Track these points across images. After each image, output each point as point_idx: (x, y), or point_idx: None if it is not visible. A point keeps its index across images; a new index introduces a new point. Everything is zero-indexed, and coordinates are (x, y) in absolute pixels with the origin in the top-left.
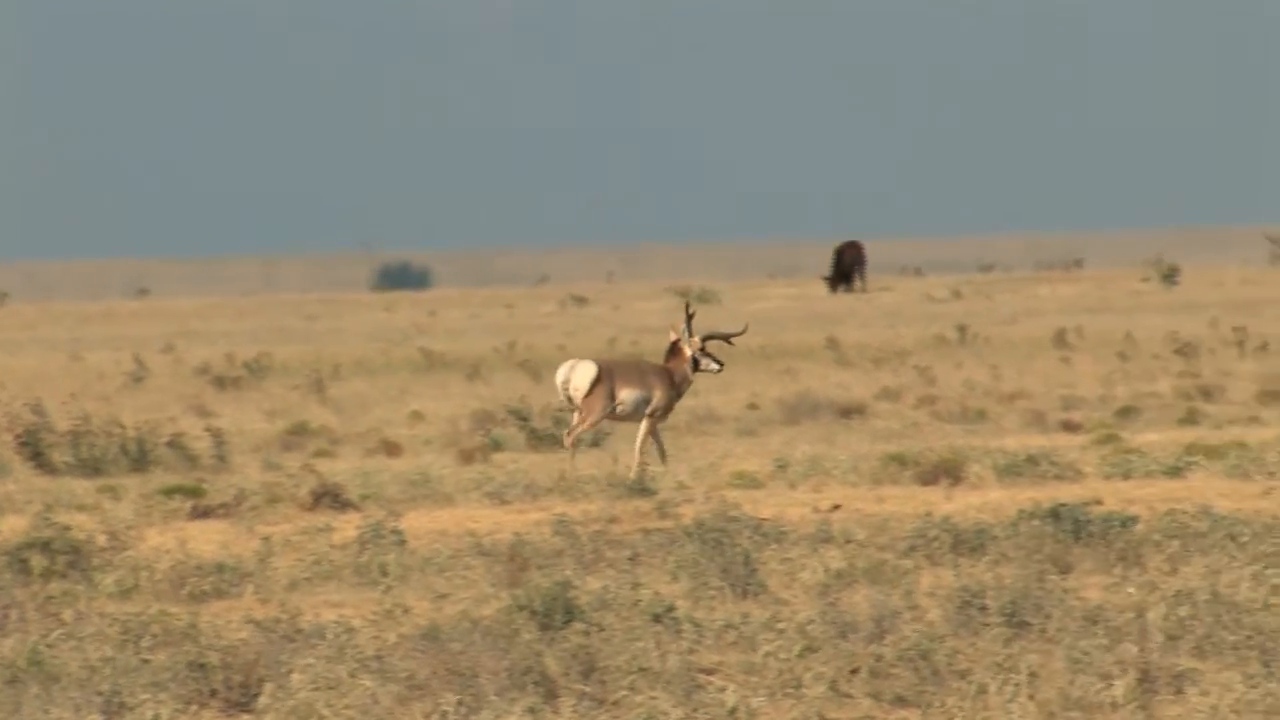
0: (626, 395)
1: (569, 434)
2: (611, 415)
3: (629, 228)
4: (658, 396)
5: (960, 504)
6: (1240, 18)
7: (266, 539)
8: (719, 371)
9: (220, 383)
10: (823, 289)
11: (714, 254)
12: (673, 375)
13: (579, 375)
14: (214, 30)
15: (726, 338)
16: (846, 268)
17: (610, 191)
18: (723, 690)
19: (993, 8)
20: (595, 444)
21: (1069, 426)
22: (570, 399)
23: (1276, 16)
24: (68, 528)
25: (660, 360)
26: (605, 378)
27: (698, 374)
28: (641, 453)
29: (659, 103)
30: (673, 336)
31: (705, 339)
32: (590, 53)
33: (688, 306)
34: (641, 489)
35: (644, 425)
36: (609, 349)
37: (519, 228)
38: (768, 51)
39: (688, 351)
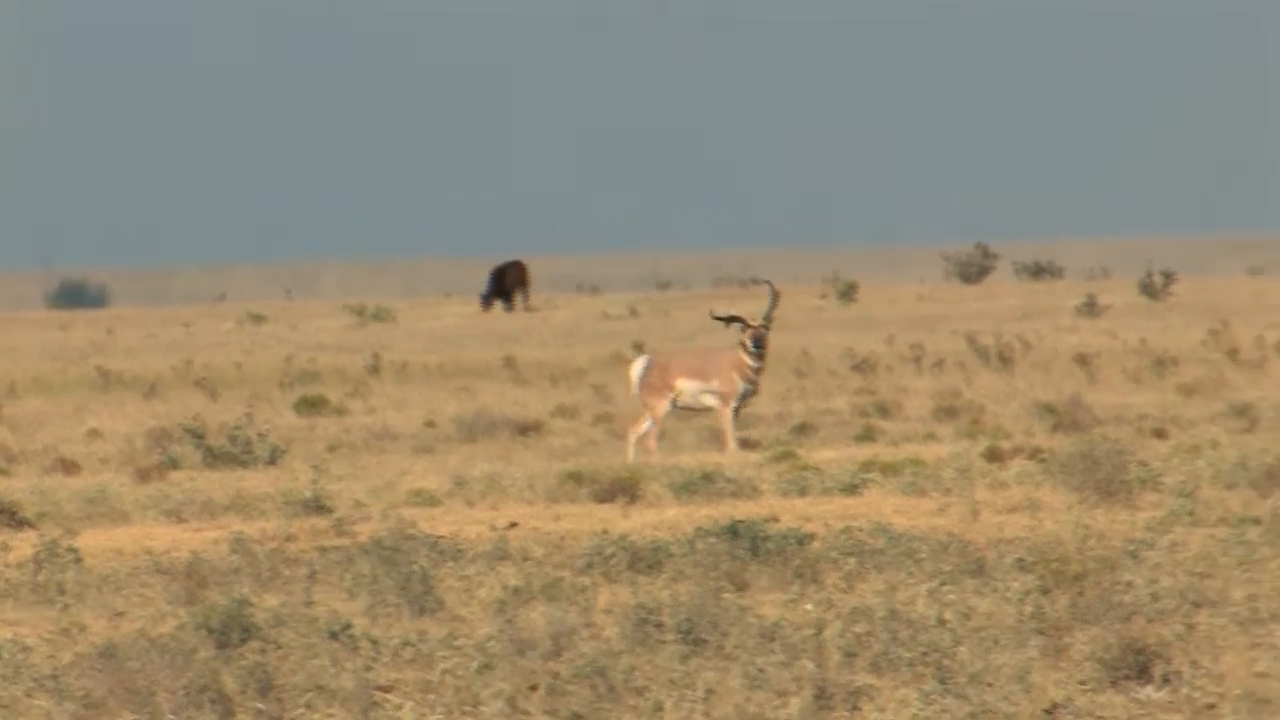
0: (685, 386)
1: (643, 435)
2: (689, 407)
3: (306, 245)
4: (717, 384)
5: (637, 521)
6: (908, 39)
7: None
8: (754, 357)
9: None
10: (494, 307)
11: (390, 271)
12: (734, 362)
13: (635, 370)
14: None
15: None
16: (509, 287)
17: (287, 208)
18: (400, 708)
19: (659, 27)
20: (271, 462)
21: (746, 443)
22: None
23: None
24: None
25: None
26: (658, 370)
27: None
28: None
29: (337, 118)
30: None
31: (732, 320)
32: (264, 63)
33: (771, 285)
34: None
35: (721, 414)
36: (286, 366)
37: (196, 245)
38: (444, 69)
39: (745, 335)
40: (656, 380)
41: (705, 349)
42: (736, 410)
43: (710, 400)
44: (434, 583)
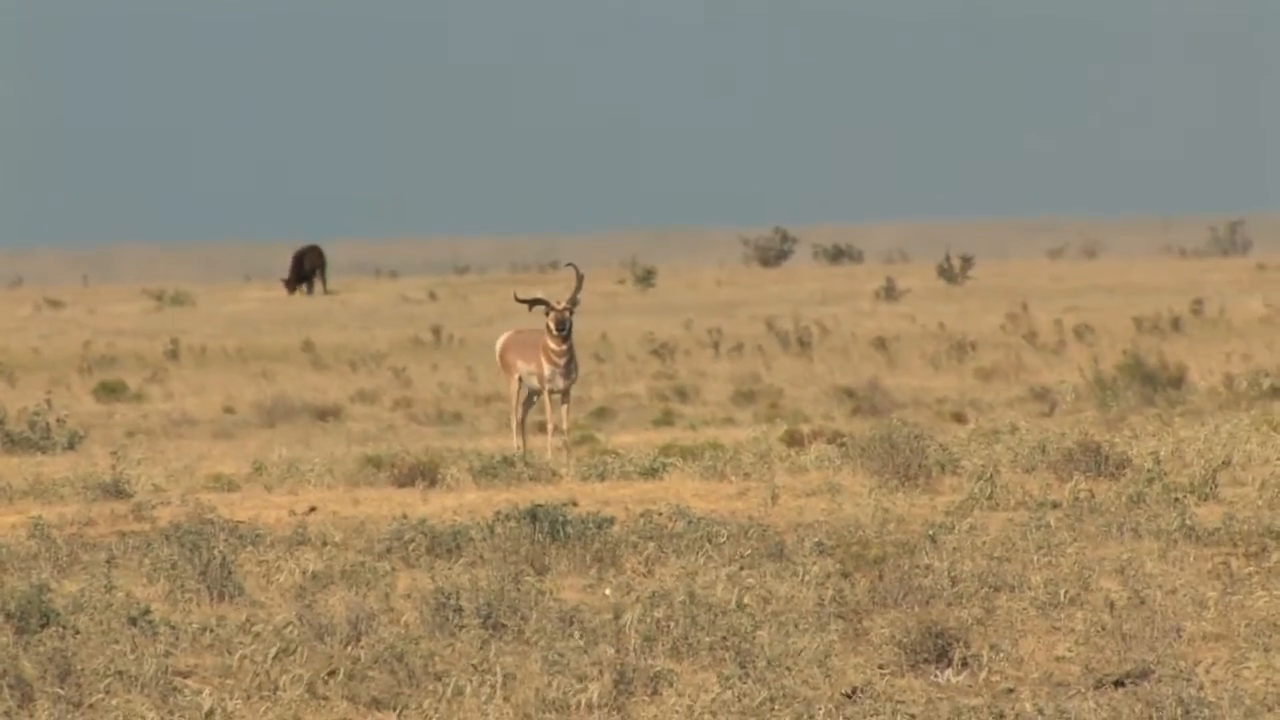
0: (521, 366)
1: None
2: (531, 389)
3: (103, 229)
4: (534, 367)
5: (436, 506)
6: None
7: None
8: (558, 340)
9: None
10: (299, 291)
11: (188, 255)
12: (542, 346)
13: (497, 347)
14: None
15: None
16: (307, 272)
17: (85, 191)
18: (199, 693)
19: (452, 10)
20: (70, 447)
21: (544, 428)
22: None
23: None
24: None
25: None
26: (509, 349)
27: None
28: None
29: (137, 102)
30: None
31: (536, 303)
32: (66, 51)
33: (576, 268)
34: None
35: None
36: (85, 352)
37: None
38: (246, 56)
39: (549, 318)
40: (509, 358)
41: (536, 329)
42: (564, 394)
43: (534, 382)
44: (233, 568)
